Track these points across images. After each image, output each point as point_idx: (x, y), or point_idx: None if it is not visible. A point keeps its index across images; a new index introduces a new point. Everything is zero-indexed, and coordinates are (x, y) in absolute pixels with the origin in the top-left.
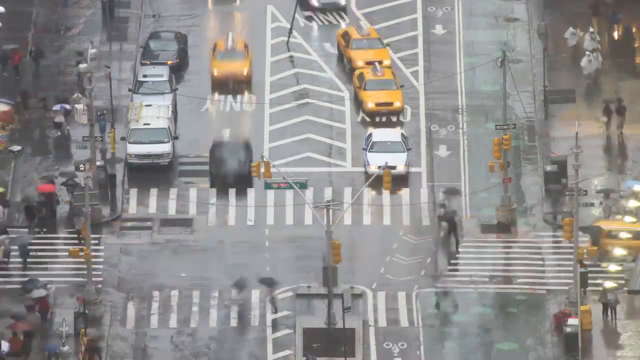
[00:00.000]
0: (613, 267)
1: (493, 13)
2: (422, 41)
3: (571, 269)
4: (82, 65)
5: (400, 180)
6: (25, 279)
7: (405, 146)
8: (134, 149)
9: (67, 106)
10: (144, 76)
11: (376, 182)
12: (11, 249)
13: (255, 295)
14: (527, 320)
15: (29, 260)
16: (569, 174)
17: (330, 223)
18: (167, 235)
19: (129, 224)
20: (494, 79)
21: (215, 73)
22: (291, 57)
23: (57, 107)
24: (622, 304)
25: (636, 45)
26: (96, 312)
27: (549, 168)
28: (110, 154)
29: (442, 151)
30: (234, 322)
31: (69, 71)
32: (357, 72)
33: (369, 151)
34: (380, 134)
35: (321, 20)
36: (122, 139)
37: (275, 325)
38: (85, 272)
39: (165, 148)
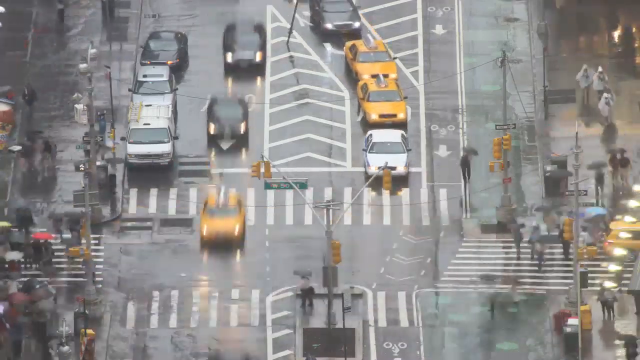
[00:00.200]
0: (613, 267)
1: (493, 13)
2: (422, 41)
3: (571, 268)
4: (82, 65)
5: (400, 181)
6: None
7: (405, 147)
8: (134, 149)
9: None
10: (144, 76)
11: (376, 183)
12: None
13: (255, 295)
14: (527, 320)
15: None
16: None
17: (330, 223)
18: (167, 235)
19: (129, 224)
20: (494, 79)
21: (205, 232)
22: (291, 57)
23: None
24: (622, 303)
25: (636, 45)
26: (96, 312)
27: (549, 168)
28: (111, 153)
29: (442, 151)
30: (234, 322)
31: (69, 71)
32: (360, 83)
33: (369, 152)
34: (380, 135)
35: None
36: (122, 139)
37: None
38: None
39: (165, 148)
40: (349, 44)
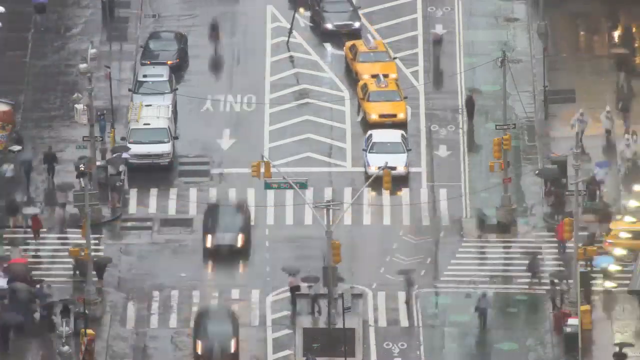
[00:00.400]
0: (613, 267)
1: (493, 13)
2: (422, 41)
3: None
4: (82, 65)
5: (400, 181)
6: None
7: (405, 147)
8: (134, 149)
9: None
10: (144, 76)
11: (376, 183)
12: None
13: (255, 295)
14: (527, 320)
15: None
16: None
17: (330, 223)
18: (167, 235)
19: (129, 224)
20: (494, 79)
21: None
22: (291, 57)
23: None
24: (622, 303)
25: (636, 45)
26: (96, 312)
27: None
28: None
29: (442, 151)
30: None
31: (69, 71)
32: (360, 83)
33: (369, 152)
34: (380, 135)
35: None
36: (123, 139)
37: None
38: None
39: (165, 148)
40: (349, 44)
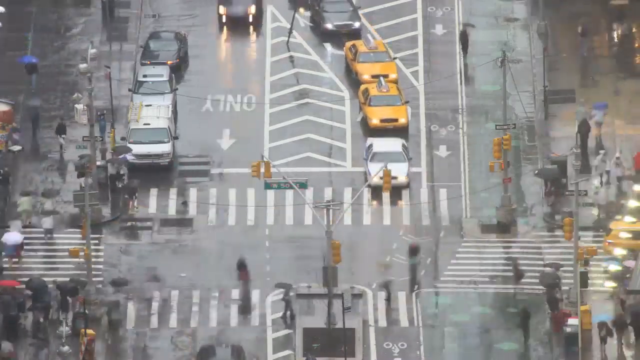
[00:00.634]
0: (613, 267)
1: (493, 13)
2: (422, 41)
3: (571, 268)
4: (82, 65)
5: (400, 187)
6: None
7: (406, 156)
8: (134, 149)
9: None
10: (144, 76)
11: (376, 191)
12: None
13: (255, 295)
14: (527, 320)
15: None
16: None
17: (330, 223)
18: (167, 235)
19: (129, 224)
20: (494, 79)
21: None
22: (291, 57)
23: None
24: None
25: (636, 45)
26: (96, 312)
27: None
28: (110, 154)
29: (442, 151)
30: (234, 322)
31: (69, 71)
32: (362, 87)
33: (370, 161)
34: (380, 144)
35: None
36: (123, 139)
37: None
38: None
39: (165, 148)
40: (349, 44)
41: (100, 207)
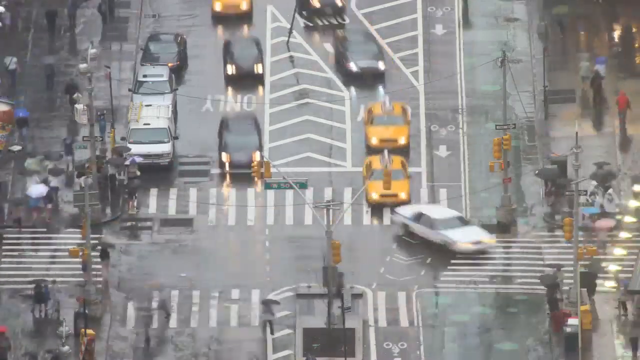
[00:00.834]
0: (613, 267)
1: (493, 13)
2: (422, 41)
3: (571, 268)
4: (82, 65)
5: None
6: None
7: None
8: (134, 149)
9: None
10: (144, 76)
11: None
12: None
13: (255, 295)
14: (527, 320)
15: None
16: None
17: (330, 223)
18: (167, 235)
19: (129, 224)
20: (494, 79)
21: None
22: (291, 57)
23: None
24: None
25: (636, 45)
26: (96, 312)
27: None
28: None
29: (442, 151)
30: (234, 322)
31: (69, 71)
32: (365, 161)
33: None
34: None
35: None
36: (123, 139)
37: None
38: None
39: (165, 148)
40: (369, 106)
41: (101, 207)
